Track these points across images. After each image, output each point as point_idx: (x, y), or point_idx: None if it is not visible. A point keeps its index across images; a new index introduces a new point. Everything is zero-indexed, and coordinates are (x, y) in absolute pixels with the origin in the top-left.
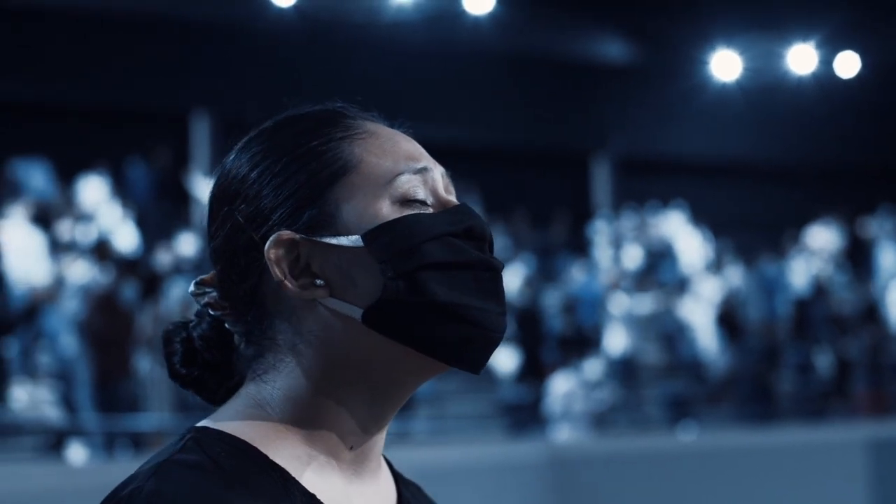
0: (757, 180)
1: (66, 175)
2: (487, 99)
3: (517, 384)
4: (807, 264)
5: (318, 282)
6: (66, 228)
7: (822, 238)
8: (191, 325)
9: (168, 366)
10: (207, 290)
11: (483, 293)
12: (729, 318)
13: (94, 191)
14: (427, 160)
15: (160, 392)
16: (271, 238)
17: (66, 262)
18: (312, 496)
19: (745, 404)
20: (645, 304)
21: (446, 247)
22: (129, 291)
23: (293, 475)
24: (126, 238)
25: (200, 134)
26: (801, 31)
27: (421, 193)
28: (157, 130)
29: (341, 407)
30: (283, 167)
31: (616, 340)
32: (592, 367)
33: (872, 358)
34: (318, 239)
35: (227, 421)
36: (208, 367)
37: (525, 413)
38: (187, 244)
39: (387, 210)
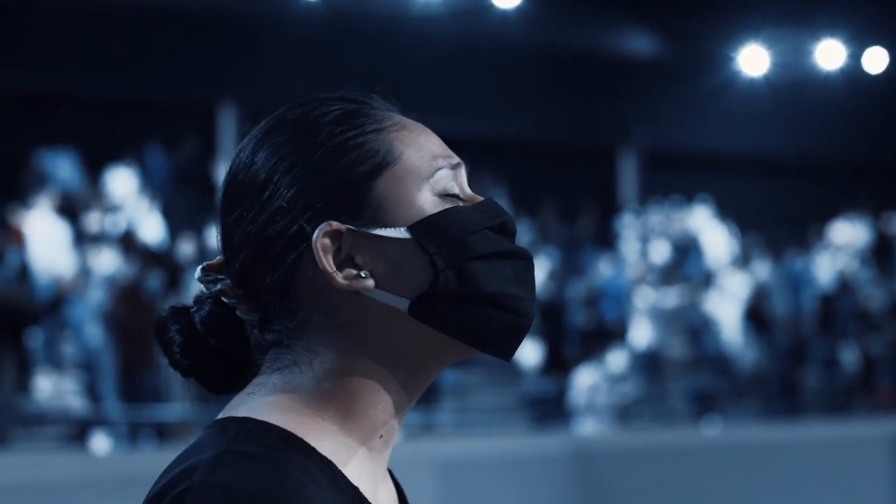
0: (784, 175)
1: (93, 166)
2: (514, 93)
3: (541, 377)
4: (832, 260)
5: (364, 273)
6: (92, 219)
7: (847, 233)
8: (192, 311)
9: (167, 354)
10: (220, 276)
11: (519, 282)
12: (757, 313)
13: (121, 182)
14: (456, 156)
15: (184, 382)
16: (320, 227)
17: (91, 252)
18: (356, 489)
19: (770, 399)
20: (671, 297)
21: (487, 240)
22: (154, 282)
23: (339, 466)
24: (152, 229)
25: (228, 125)
26: (829, 26)
27: (456, 188)
28: (185, 122)
29: (377, 395)
30: (320, 157)
31: (641, 334)
32: (617, 361)
33: None
34: (366, 230)
35: (265, 411)
36: (214, 355)
37: (549, 406)
38: (214, 235)
39: (429, 203)
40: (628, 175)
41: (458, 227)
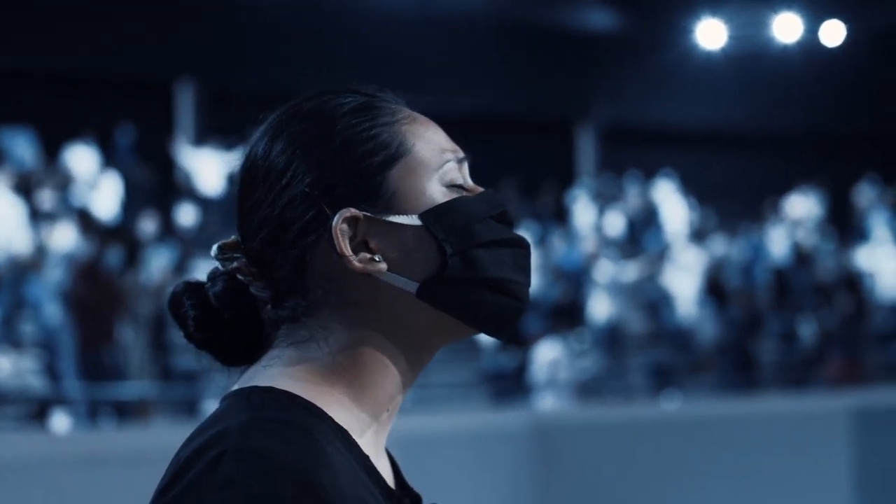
0: (741, 149)
1: (51, 144)
2: (472, 67)
3: (500, 353)
4: (788, 233)
5: (378, 257)
6: (48, 197)
7: (803, 206)
8: (206, 286)
9: (182, 328)
10: (235, 255)
11: (519, 268)
12: (715, 287)
13: (79, 159)
14: (460, 150)
15: (143, 360)
16: (339, 213)
17: (48, 230)
18: (367, 457)
19: (728, 373)
20: (629, 272)
21: (490, 228)
22: (113, 259)
23: (354, 438)
24: (109, 206)
25: (185, 102)
26: None
27: (461, 179)
28: (142, 99)
29: (386, 371)
30: (337, 147)
31: (601, 309)
32: (577, 336)
33: (850, 326)
34: (381, 217)
35: (285, 382)
36: (227, 328)
37: (509, 382)
38: (174, 212)
39: (438, 193)
40: (586, 150)
41: (464, 216)
